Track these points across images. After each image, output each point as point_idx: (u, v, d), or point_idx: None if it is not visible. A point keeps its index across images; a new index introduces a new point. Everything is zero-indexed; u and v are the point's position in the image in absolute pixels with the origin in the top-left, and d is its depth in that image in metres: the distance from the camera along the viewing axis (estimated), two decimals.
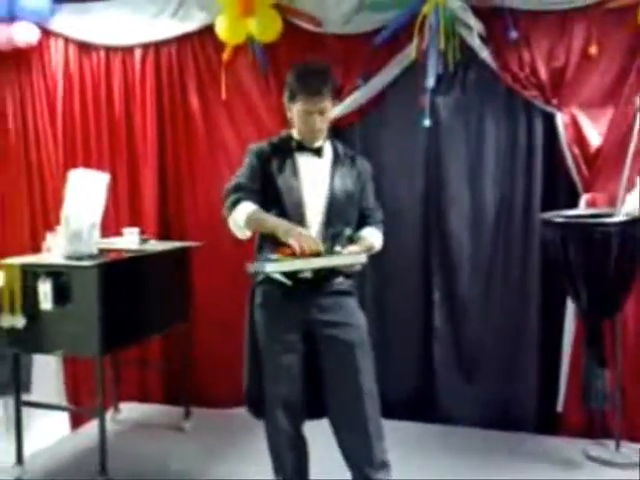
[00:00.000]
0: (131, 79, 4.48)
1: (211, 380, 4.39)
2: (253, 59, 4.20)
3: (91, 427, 3.81)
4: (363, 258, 2.59)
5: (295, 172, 2.69)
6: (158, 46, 4.41)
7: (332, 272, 2.66)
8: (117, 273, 3.45)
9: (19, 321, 3.33)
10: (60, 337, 3.34)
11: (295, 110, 2.69)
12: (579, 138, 3.70)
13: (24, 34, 4.40)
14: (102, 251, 3.54)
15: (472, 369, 4.07)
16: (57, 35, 4.55)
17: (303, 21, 4.09)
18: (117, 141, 4.52)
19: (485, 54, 3.80)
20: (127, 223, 4.26)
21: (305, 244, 2.45)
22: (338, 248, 2.60)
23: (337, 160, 2.77)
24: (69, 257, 3.34)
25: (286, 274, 2.60)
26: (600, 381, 3.46)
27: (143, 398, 4.53)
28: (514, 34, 3.70)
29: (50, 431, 4.01)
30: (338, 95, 2.77)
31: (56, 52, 4.57)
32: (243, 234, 2.70)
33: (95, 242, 3.48)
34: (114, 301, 3.35)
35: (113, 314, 3.34)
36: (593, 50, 3.64)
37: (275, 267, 2.50)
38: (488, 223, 3.99)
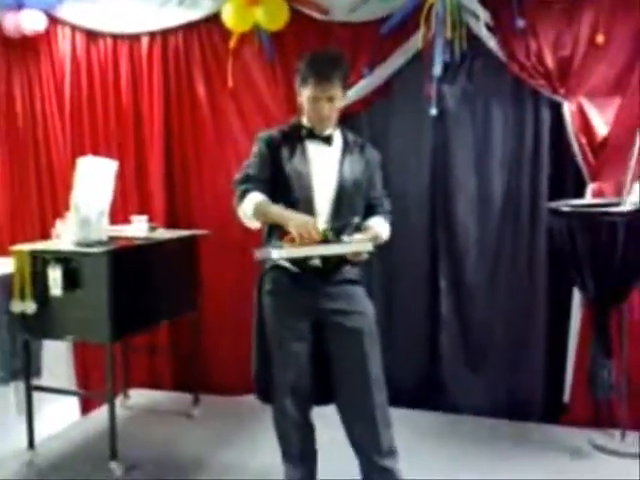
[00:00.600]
0: (138, 67, 4.49)
1: (220, 367, 4.42)
2: (260, 47, 4.21)
3: (101, 412, 3.84)
4: (369, 246, 2.59)
5: (305, 160, 2.70)
6: (165, 34, 4.42)
7: (340, 261, 2.67)
8: (126, 260, 3.47)
9: (29, 307, 3.36)
10: (70, 323, 3.38)
11: (305, 95, 2.69)
12: (586, 127, 3.70)
13: (32, 22, 4.40)
14: (111, 238, 3.56)
15: (479, 357, 4.09)
16: (64, 23, 4.56)
17: (310, 9, 4.09)
18: (124, 129, 4.53)
19: (492, 43, 3.80)
20: (135, 211, 4.28)
21: (305, 232, 2.46)
22: (345, 237, 2.61)
23: (346, 148, 2.77)
24: (78, 244, 3.37)
25: (294, 262, 2.62)
26: (606, 371, 3.47)
27: (152, 385, 4.56)
28: (521, 23, 3.69)
29: (60, 416, 4.04)
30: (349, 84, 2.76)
31: (63, 40, 4.58)
32: (252, 224, 2.71)
33: (104, 229, 3.50)
34: (123, 288, 3.38)
35: (122, 301, 3.37)
36: (600, 39, 3.63)
37: (281, 253, 2.52)
38: (495, 212, 4.00)
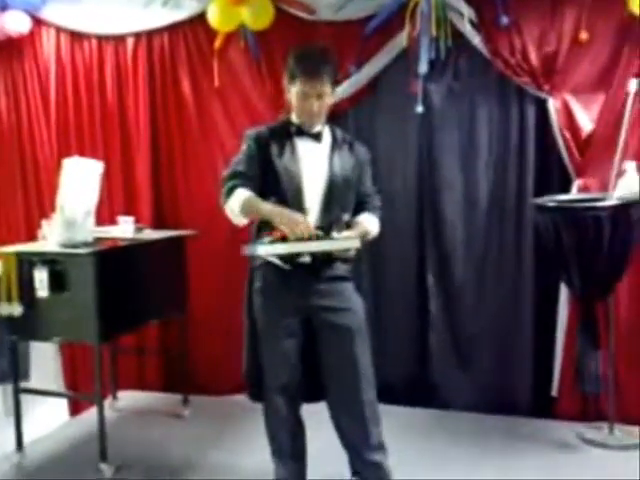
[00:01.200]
0: (123, 68, 4.47)
1: (209, 367, 4.41)
2: (245, 47, 4.21)
3: (90, 414, 3.83)
4: (357, 243, 2.60)
5: (294, 157, 2.69)
6: (150, 35, 4.41)
7: (330, 257, 2.67)
8: (113, 261, 3.47)
9: (16, 309, 3.35)
10: (57, 324, 3.37)
11: (294, 92, 2.69)
12: (571, 123, 3.72)
13: (16, 23, 4.39)
14: (97, 239, 3.55)
15: (467, 353, 4.10)
16: (49, 24, 4.54)
17: (295, 8, 4.10)
18: (110, 130, 4.52)
19: (476, 40, 3.82)
20: (121, 212, 4.26)
21: (297, 229, 2.46)
22: (334, 234, 2.61)
23: (335, 145, 2.77)
24: (64, 245, 3.36)
25: (283, 258, 2.62)
26: (593, 364, 3.50)
27: (141, 386, 4.55)
28: (505, 20, 3.71)
29: (49, 418, 4.03)
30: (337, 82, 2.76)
31: (48, 41, 4.56)
32: (239, 221, 2.71)
33: (90, 230, 3.49)
34: (110, 289, 3.37)
35: (109, 302, 3.36)
36: (584, 36, 3.65)
37: (267, 250, 2.53)
38: (481, 208, 4.02)
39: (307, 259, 2.64)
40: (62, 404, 4.27)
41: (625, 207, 3.35)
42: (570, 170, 3.76)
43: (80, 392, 4.42)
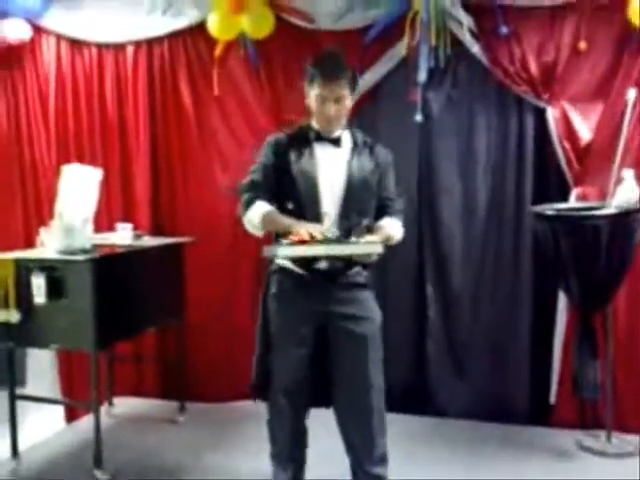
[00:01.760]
0: (123, 76, 4.48)
1: (205, 374, 4.40)
2: (245, 55, 4.22)
3: (86, 421, 3.82)
4: (379, 248, 2.52)
5: (312, 162, 2.67)
6: (150, 43, 4.43)
7: (348, 263, 2.63)
8: (111, 268, 3.46)
9: (13, 315, 3.34)
10: (54, 331, 3.36)
11: (312, 95, 2.67)
12: (570, 132, 3.74)
13: (16, 31, 4.40)
14: (96, 246, 3.54)
15: (465, 361, 4.10)
16: (49, 32, 4.55)
17: (295, 17, 4.11)
18: (110, 137, 4.52)
19: (476, 49, 3.84)
20: (120, 219, 4.27)
21: (317, 233, 2.45)
22: (354, 238, 2.56)
23: (356, 149, 2.74)
24: (62, 252, 3.35)
25: (300, 264, 2.59)
26: (592, 372, 3.49)
27: (138, 393, 4.53)
28: (504, 29, 3.73)
29: (45, 425, 4.01)
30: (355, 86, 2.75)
31: (48, 49, 4.57)
32: (257, 232, 2.70)
33: (88, 237, 3.49)
34: (108, 296, 3.36)
35: (107, 309, 3.35)
36: (582, 45, 3.67)
37: (286, 251, 2.48)
38: (480, 217, 4.03)
39: (323, 264, 2.59)
40: (58, 411, 4.25)
41: (623, 216, 3.36)
42: (568, 178, 3.77)
43: (76, 399, 4.40)
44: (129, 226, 3.95)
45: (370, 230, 2.66)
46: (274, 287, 2.74)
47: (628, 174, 3.42)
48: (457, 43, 3.85)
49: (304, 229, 2.47)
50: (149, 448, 3.76)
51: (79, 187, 3.42)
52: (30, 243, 4.11)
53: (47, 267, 3.31)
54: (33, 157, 4.62)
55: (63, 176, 3.40)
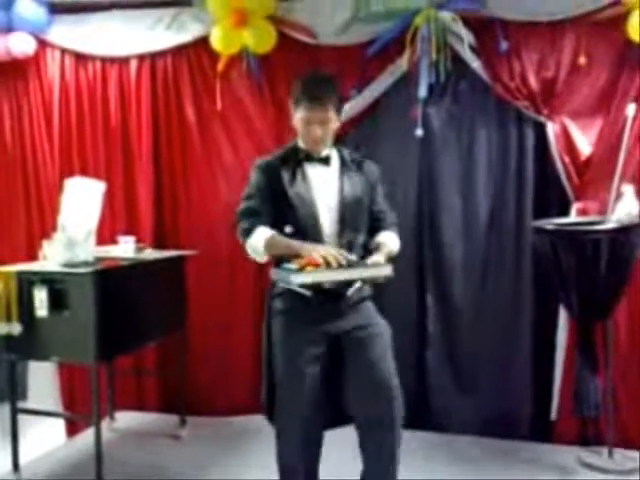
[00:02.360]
0: (127, 90, 4.51)
1: (207, 388, 4.40)
2: (248, 70, 4.25)
3: (87, 435, 3.81)
4: (389, 270, 2.55)
5: (306, 183, 2.67)
6: (154, 57, 4.45)
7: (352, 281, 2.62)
8: (113, 281, 3.47)
9: (15, 328, 3.35)
10: (56, 344, 3.36)
11: (298, 117, 2.69)
12: (570, 147, 3.76)
13: (21, 45, 4.43)
14: (98, 259, 3.56)
15: (466, 375, 4.08)
16: (53, 46, 4.58)
17: (297, 32, 4.15)
18: (113, 151, 4.54)
19: (476, 65, 3.86)
20: (122, 231, 4.28)
21: (331, 257, 2.44)
22: (368, 261, 2.56)
23: (344, 167, 2.76)
24: (65, 264, 3.37)
25: (307, 286, 2.52)
26: (592, 388, 3.49)
27: (139, 407, 4.53)
28: (504, 45, 3.75)
29: (46, 438, 4.01)
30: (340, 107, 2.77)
31: (52, 63, 4.60)
32: (261, 259, 2.69)
33: (91, 250, 3.50)
34: (110, 309, 3.37)
35: (109, 322, 3.36)
36: (582, 60, 3.69)
37: (303, 278, 2.43)
38: (480, 231, 4.03)
39: (327, 284, 2.53)
40: (59, 424, 4.25)
41: (623, 230, 3.36)
42: (569, 193, 3.78)
43: (77, 412, 4.40)
44: (131, 239, 3.97)
45: (366, 247, 2.70)
46: (279, 310, 2.71)
47: (628, 189, 3.43)
48: (457, 59, 3.88)
49: (315, 252, 2.47)
50: (151, 463, 3.75)
51: (82, 200, 3.44)
52: (33, 256, 4.11)
53: (49, 280, 3.32)
54: (37, 170, 4.64)
55: (66, 189, 3.42)
